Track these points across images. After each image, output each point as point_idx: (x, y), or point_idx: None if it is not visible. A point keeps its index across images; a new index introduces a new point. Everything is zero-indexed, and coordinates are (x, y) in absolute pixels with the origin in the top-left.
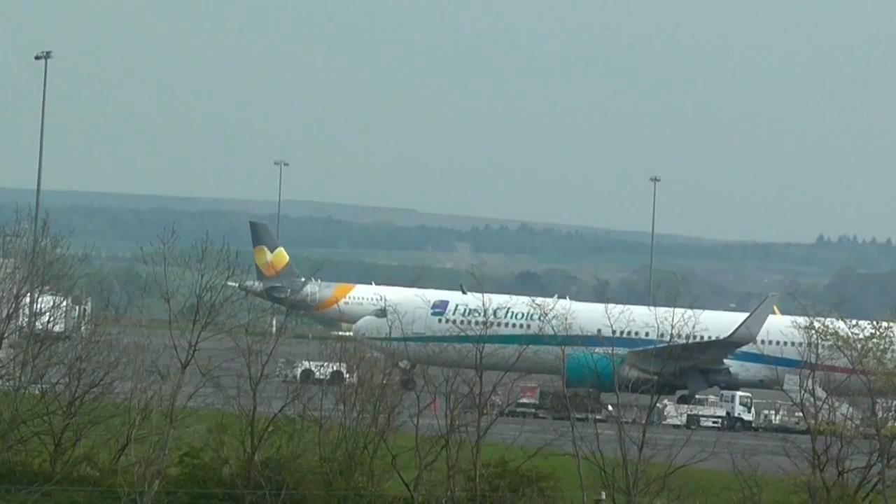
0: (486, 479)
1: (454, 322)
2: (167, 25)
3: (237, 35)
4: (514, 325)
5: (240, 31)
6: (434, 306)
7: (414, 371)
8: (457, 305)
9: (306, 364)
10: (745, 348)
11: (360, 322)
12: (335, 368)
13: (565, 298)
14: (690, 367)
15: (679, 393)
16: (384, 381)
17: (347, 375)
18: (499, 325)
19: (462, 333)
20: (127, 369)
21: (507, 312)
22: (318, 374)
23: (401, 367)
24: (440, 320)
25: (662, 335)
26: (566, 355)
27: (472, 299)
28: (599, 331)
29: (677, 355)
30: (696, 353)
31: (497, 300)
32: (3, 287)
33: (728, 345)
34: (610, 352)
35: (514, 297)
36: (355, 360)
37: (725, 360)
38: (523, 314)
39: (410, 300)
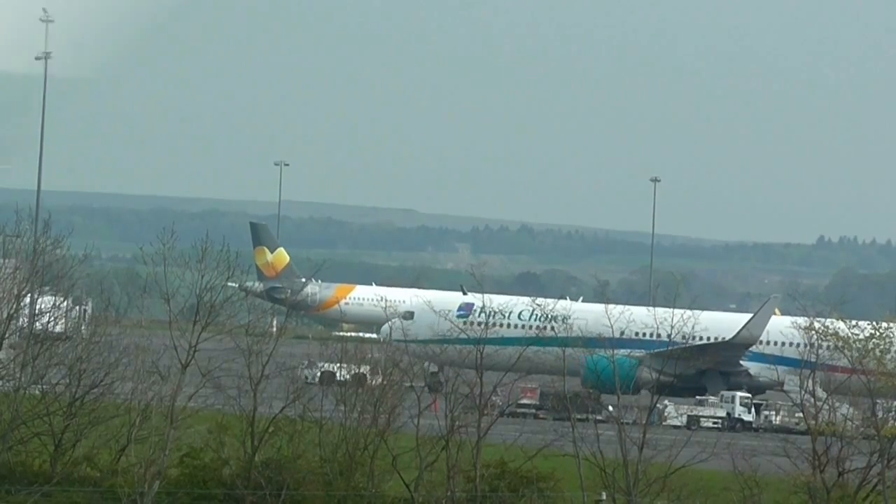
0: (486, 479)
1: (479, 324)
2: (167, 26)
3: (237, 35)
4: (529, 328)
5: (240, 31)
6: (459, 308)
7: (441, 374)
8: (482, 308)
9: (327, 366)
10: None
11: (386, 325)
12: (358, 371)
13: (579, 301)
14: (710, 369)
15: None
16: (384, 382)
17: (372, 378)
18: (520, 327)
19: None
20: (127, 370)
21: (532, 314)
22: (339, 376)
23: (430, 370)
24: (465, 322)
25: (660, 335)
26: (585, 357)
27: (496, 302)
28: (622, 332)
29: (678, 356)
30: (697, 355)
31: (517, 303)
32: (3, 287)
33: (730, 347)
34: (629, 354)
35: (536, 299)
36: (380, 362)
37: (744, 362)
38: (546, 316)
39: (436, 302)
